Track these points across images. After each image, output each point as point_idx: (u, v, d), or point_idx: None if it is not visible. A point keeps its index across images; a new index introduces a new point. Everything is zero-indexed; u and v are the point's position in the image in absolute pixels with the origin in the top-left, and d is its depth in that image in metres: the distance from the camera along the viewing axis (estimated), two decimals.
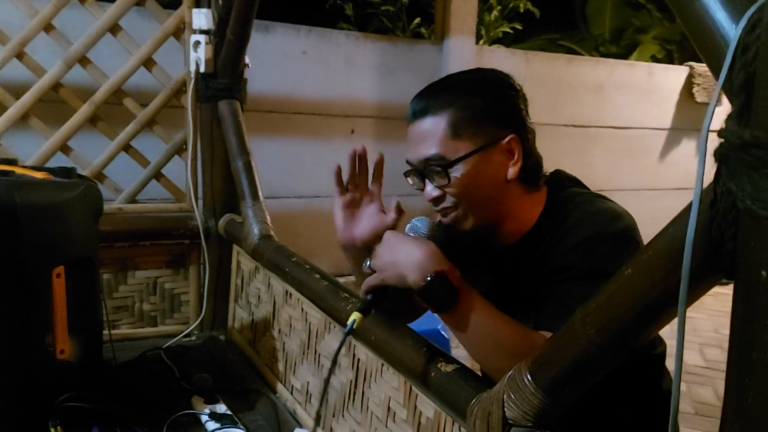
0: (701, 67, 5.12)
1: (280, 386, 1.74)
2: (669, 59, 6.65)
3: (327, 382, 1.03)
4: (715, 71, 0.55)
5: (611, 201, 1.12)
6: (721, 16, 0.55)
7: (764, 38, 0.49)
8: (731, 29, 0.54)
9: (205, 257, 2.11)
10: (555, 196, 1.15)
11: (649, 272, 0.63)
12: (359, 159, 1.18)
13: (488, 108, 1.09)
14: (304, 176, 3.67)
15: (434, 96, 1.10)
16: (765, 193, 0.47)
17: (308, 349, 1.61)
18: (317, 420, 1.07)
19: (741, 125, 0.51)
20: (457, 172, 1.08)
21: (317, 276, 1.48)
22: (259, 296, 1.92)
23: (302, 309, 1.64)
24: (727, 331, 0.59)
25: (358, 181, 1.19)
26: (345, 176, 1.19)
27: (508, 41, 5.61)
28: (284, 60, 3.52)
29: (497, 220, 1.15)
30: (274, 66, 3.46)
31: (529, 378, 0.80)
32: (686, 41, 6.95)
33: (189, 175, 2.07)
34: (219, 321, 2.14)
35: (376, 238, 1.17)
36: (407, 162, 1.15)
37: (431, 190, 1.12)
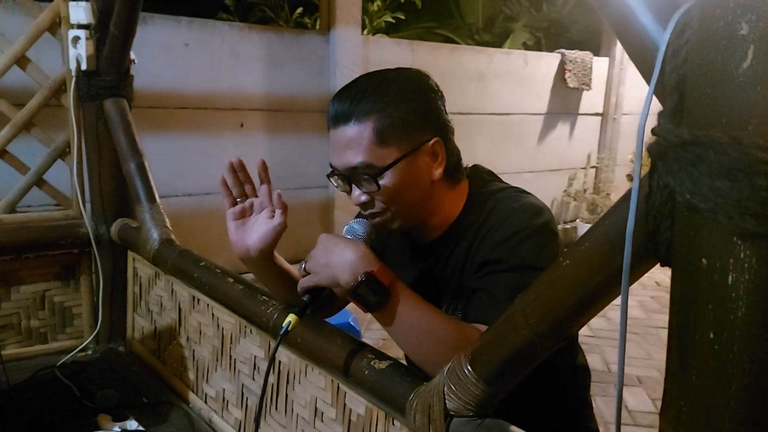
0: (572, 54, 5.44)
1: (192, 395, 1.67)
2: (538, 46, 7.01)
3: (264, 387, 1.00)
4: (645, 73, 0.59)
5: (530, 195, 1.17)
6: (648, 20, 0.59)
7: (693, 41, 0.53)
8: (659, 33, 0.57)
9: (97, 266, 1.98)
10: (477, 191, 1.19)
11: (587, 262, 0.67)
12: (238, 169, 1.17)
13: (412, 113, 1.10)
14: (192, 173, 3.54)
15: (357, 99, 1.09)
16: (704, 188, 0.50)
17: (222, 355, 1.56)
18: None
19: (675, 124, 0.54)
20: (385, 178, 1.08)
21: (230, 280, 1.44)
22: (161, 303, 1.84)
23: (213, 314, 1.58)
24: None
25: (244, 190, 1.19)
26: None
27: (387, 30, 5.68)
28: (165, 53, 3.37)
29: (424, 218, 1.17)
30: (154, 59, 3.30)
31: (470, 369, 0.82)
32: (552, 28, 7.35)
33: (75, 180, 1.94)
34: (117, 332, 2.03)
35: (270, 244, 1.16)
36: (331, 166, 1.14)
37: (359, 195, 1.12)
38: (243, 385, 1.49)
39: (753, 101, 0.47)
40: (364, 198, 1.12)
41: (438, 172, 1.13)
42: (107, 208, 1.99)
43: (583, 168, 5.86)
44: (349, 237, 1.09)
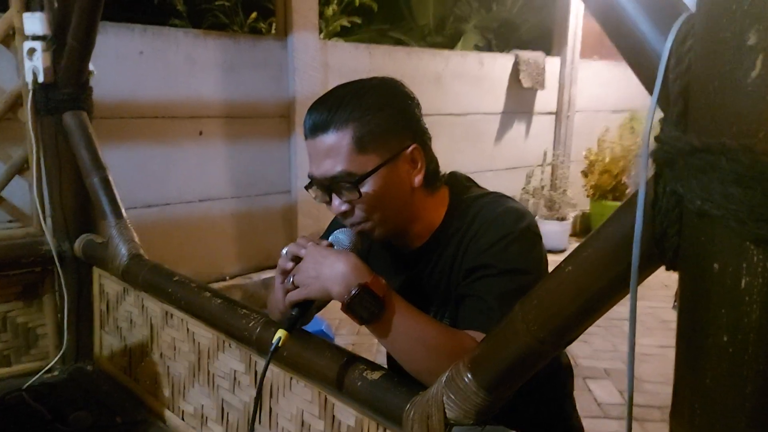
0: (525, 55, 5.52)
1: (168, 413, 1.63)
2: (489, 47, 7.08)
3: (256, 407, 0.98)
4: (646, 81, 0.60)
5: (511, 199, 1.18)
6: (647, 28, 0.59)
7: (697, 50, 0.54)
8: (660, 42, 0.58)
9: (61, 284, 1.92)
10: (458, 197, 1.19)
11: (590, 268, 0.68)
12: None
13: (390, 119, 1.09)
14: (152, 184, 3.46)
15: (335, 108, 1.07)
16: (716, 194, 0.51)
17: (199, 370, 1.53)
18: None
19: (682, 131, 0.55)
20: (366, 186, 1.07)
21: (207, 294, 1.41)
22: (131, 320, 1.79)
23: (188, 329, 1.55)
24: None
25: None
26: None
27: (340, 33, 5.67)
28: (119, 62, 3.28)
29: (405, 226, 1.16)
30: (108, 68, 3.20)
31: (470, 377, 0.82)
32: (502, 29, 7.44)
33: (35, 196, 1.87)
34: (84, 351, 1.96)
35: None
36: (310, 176, 1.12)
37: (340, 204, 1.10)
38: (223, 400, 1.46)
39: (763, 110, 0.48)
40: (344, 207, 1.11)
41: (418, 178, 1.13)
42: (70, 224, 1.93)
43: (539, 165, 5.94)
44: (334, 248, 1.07)
